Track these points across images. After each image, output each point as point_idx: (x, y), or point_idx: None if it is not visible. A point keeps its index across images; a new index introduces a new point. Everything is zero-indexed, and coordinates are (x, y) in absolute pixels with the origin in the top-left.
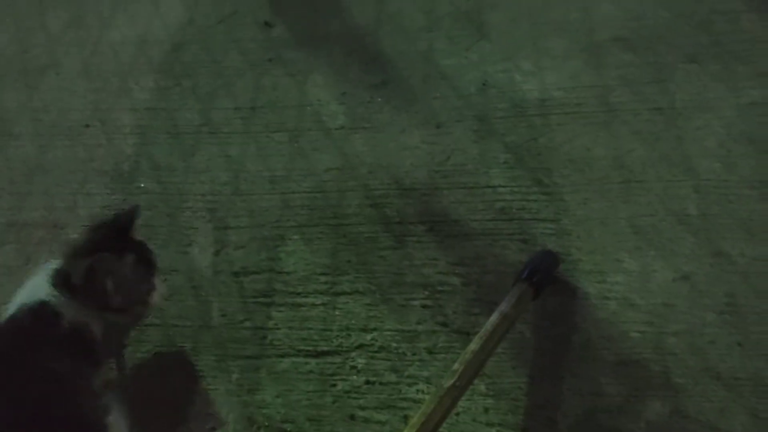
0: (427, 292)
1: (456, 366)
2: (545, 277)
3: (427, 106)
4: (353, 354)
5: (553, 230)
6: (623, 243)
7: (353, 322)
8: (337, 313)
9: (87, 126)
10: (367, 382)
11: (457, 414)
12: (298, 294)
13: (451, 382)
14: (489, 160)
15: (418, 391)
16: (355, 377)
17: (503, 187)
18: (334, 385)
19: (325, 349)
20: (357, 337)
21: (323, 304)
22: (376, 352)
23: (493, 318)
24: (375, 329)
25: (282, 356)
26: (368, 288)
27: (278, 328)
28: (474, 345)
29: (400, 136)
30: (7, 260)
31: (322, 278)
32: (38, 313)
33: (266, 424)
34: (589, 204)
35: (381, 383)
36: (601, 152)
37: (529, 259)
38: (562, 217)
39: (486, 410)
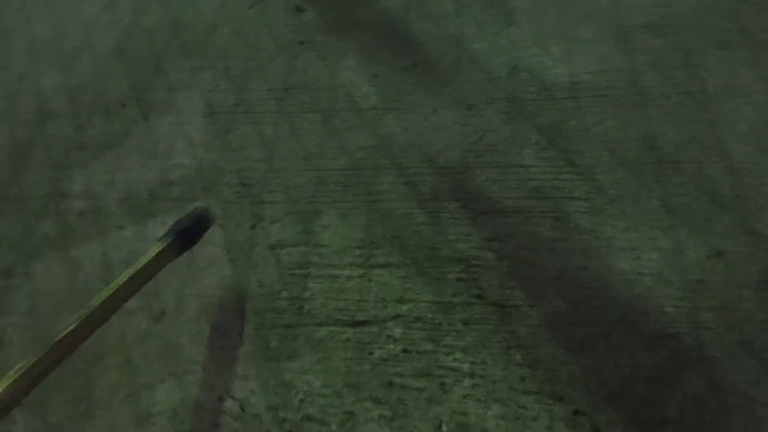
0: (461, 266)
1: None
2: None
3: (458, 89)
4: (389, 324)
5: (586, 209)
6: (656, 221)
7: (389, 293)
8: (372, 284)
9: (123, 105)
10: (404, 351)
11: (494, 382)
12: (334, 266)
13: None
14: (521, 140)
15: (455, 359)
16: (392, 346)
17: (535, 166)
18: (372, 353)
19: (362, 318)
20: (393, 308)
21: (359, 276)
22: (412, 322)
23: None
24: (411, 300)
25: (319, 325)
26: (403, 261)
27: (315, 299)
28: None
29: (432, 116)
30: (48, 231)
31: (357, 251)
32: None
33: (305, 389)
34: (621, 183)
35: (418, 352)
36: (632, 134)
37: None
38: (595, 196)
39: (522, 379)
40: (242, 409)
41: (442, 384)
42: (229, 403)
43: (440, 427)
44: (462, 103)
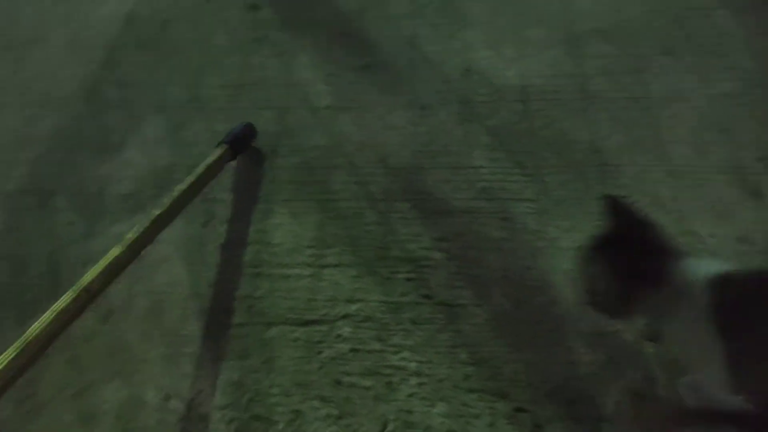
0: (411, 266)
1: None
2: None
3: (412, 89)
4: (339, 323)
5: (533, 209)
6: (600, 222)
7: (339, 293)
8: (323, 284)
9: (74, 98)
10: (353, 350)
11: (439, 381)
12: (285, 265)
13: (158, 211)
14: (472, 142)
15: (402, 359)
16: (341, 345)
17: (485, 168)
18: (321, 353)
19: (312, 318)
20: (342, 308)
21: (310, 276)
22: (361, 321)
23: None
24: (360, 300)
25: (269, 324)
26: (354, 261)
27: (265, 298)
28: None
29: (386, 116)
30: None
31: (309, 251)
32: None
33: (254, 387)
34: (567, 185)
35: (366, 351)
36: (578, 137)
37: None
38: (542, 197)
39: (467, 377)
40: (190, 408)
41: (389, 383)
42: (176, 403)
43: (386, 425)
44: (416, 104)
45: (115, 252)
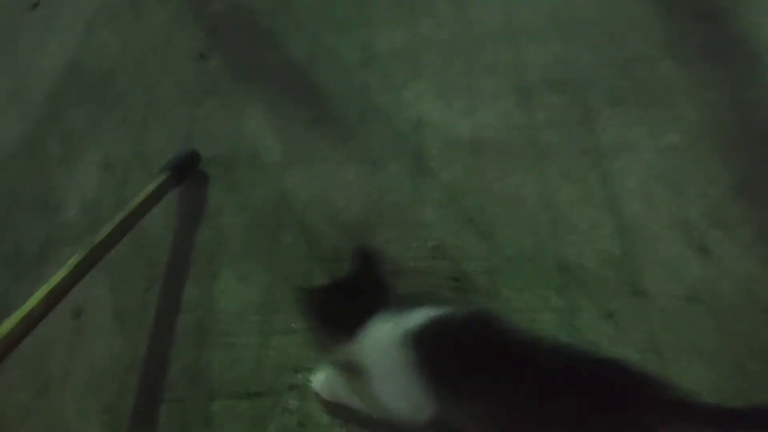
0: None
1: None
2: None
3: (363, 143)
4: (285, 395)
5: (484, 269)
6: (551, 281)
7: (286, 362)
8: (269, 353)
9: (13, 156)
10: (300, 424)
11: None
12: (230, 333)
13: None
14: (423, 197)
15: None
16: (287, 419)
17: (436, 225)
18: (266, 428)
19: (257, 390)
20: (289, 378)
21: (256, 344)
22: (309, 392)
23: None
24: (308, 369)
25: (212, 398)
26: (301, 327)
27: (208, 368)
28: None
29: (336, 171)
30: None
31: (256, 317)
32: None
33: None
34: (518, 242)
35: (314, 425)
36: (530, 191)
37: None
38: (493, 255)
39: None
40: None
41: None
42: None
43: None
44: (367, 158)
45: (58, 276)
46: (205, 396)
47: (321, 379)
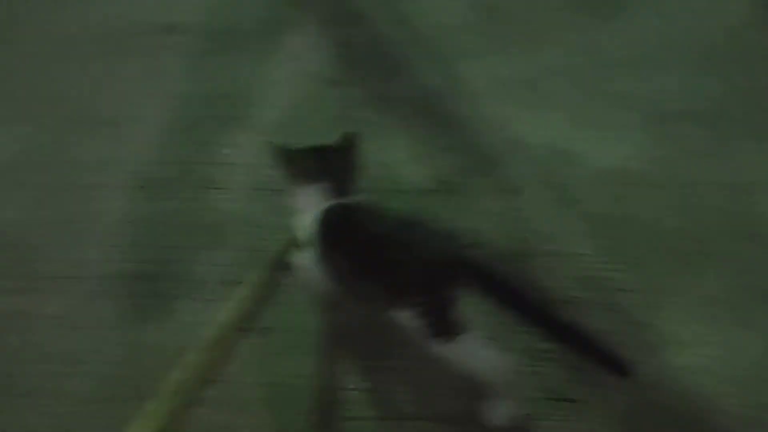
0: (528, 358)
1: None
2: None
3: (502, 172)
4: None
5: (638, 301)
6: (711, 314)
7: None
8: None
9: (176, 180)
10: None
11: None
12: None
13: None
14: (567, 228)
15: None
16: None
17: (584, 255)
18: None
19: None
20: None
21: None
22: None
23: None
24: None
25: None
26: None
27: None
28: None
29: (479, 199)
30: (107, 313)
31: None
32: None
33: None
34: (671, 275)
35: None
36: (674, 223)
37: None
38: (646, 287)
39: None
40: None
41: None
42: None
43: None
44: (507, 187)
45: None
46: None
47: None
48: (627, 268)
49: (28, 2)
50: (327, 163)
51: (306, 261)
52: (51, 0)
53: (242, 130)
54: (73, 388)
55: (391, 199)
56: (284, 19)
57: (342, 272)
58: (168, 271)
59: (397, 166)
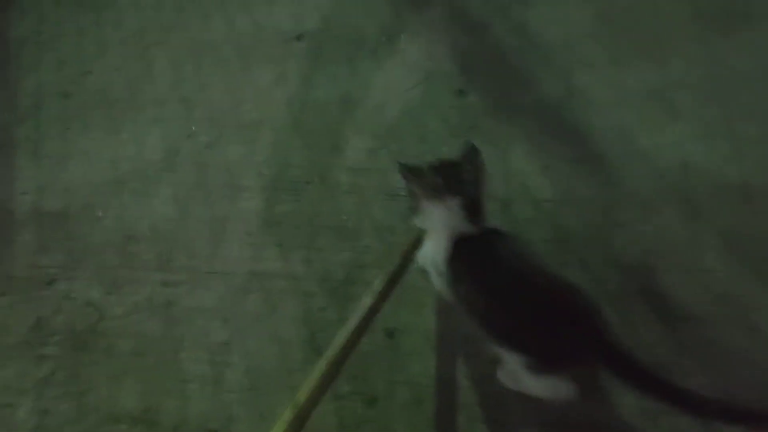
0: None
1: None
2: None
3: (630, 184)
4: None
5: None
6: None
7: None
8: None
9: (307, 183)
10: None
11: None
12: None
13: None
14: (701, 243)
15: None
16: None
17: (720, 272)
18: None
19: None
20: None
21: None
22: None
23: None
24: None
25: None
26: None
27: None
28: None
29: (609, 212)
30: (255, 308)
31: None
32: None
33: None
34: None
35: None
36: None
37: None
38: None
39: None
40: None
41: None
42: None
43: None
44: (636, 199)
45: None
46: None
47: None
48: (760, 284)
49: (181, 13)
50: (456, 178)
51: (434, 278)
52: (200, 11)
53: (365, 135)
54: (231, 376)
55: (517, 209)
56: (406, 26)
57: (471, 299)
58: (307, 271)
59: (526, 176)
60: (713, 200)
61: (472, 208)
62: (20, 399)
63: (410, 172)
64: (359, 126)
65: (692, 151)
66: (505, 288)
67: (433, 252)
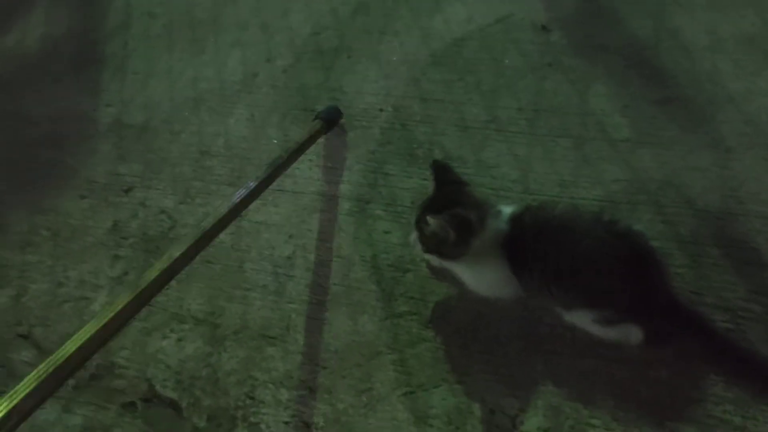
0: (728, 316)
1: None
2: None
3: (714, 129)
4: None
5: None
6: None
7: None
8: None
9: (381, 110)
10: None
11: None
12: None
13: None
14: None
15: (725, 411)
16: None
17: None
18: (639, 392)
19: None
20: None
21: None
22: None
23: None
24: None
25: (582, 356)
26: None
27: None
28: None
29: (687, 156)
30: (320, 226)
31: None
32: None
33: (574, 416)
34: None
35: (684, 395)
36: None
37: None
38: None
39: None
40: (513, 426)
41: None
42: (500, 418)
43: None
44: (719, 145)
45: (219, 211)
46: (576, 354)
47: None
48: None
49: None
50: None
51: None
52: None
53: (442, 67)
54: (292, 288)
55: (591, 149)
56: None
57: (534, 283)
58: (374, 195)
59: (605, 115)
60: None
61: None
62: (95, 293)
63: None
64: (437, 58)
65: None
66: (561, 257)
67: (485, 274)
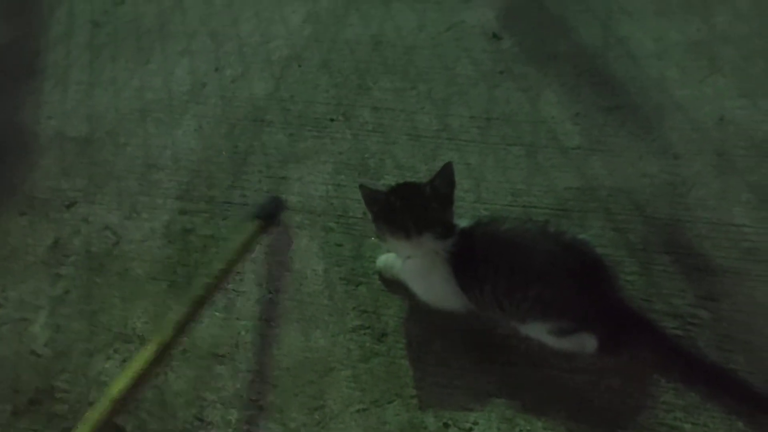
0: (678, 322)
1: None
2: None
3: (662, 135)
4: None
5: None
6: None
7: None
8: None
9: (332, 120)
10: (622, 402)
11: None
12: None
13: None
14: (731, 197)
15: (675, 418)
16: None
17: (749, 227)
18: (591, 401)
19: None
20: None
21: None
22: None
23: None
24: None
25: (535, 366)
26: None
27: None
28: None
29: (637, 162)
30: (271, 241)
31: None
32: None
33: (528, 428)
34: None
35: (636, 405)
36: None
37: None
38: None
39: None
40: None
41: None
42: (454, 431)
43: None
44: (668, 151)
45: (158, 338)
46: (532, 364)
47: (382, 260)
48: None
49: None
50: (422, 209)
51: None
52: None
53: (394, 75)
54: (242, 305)
55: (543, 156)
56: None
57: (482, 297)
58: (326, 207)
59: (557, 124)
60: (748, 156)
61: (445, 233)
62: (35, 314)
63: (374, 202)
64: (389, 66)
65: (731, 106)
66: (512, 272)
67: (421, 271)
